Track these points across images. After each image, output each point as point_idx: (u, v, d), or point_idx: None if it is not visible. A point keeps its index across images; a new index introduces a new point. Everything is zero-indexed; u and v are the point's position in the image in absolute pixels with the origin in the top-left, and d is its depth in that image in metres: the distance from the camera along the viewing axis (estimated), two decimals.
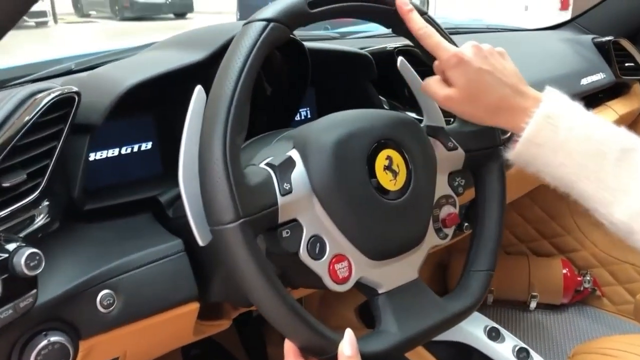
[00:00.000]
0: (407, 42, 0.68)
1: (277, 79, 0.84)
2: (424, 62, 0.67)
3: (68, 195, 0.64)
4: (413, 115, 0.86)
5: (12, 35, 0.54)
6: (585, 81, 1.36)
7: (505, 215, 0.72)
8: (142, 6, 12.65)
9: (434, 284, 1.64)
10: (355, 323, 1.32)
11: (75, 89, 0.61)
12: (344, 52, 0.91)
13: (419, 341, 0.62)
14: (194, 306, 0.67)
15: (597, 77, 1.40)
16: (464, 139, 0.70)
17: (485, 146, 0.72)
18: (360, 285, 0.61)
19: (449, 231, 0.69)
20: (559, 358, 1.46)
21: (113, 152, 0.73)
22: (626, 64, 1.51)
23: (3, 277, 0.50)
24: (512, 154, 0.63)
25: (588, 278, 1.61)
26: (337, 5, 0.59)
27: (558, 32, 1.68)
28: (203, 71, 0.66)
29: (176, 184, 0.54)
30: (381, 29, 1.19)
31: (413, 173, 0.63)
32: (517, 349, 1.21)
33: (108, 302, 0.60)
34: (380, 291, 0.62)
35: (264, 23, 0.55)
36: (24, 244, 0.52)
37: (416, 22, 0.63)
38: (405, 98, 0.96)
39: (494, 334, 1.24)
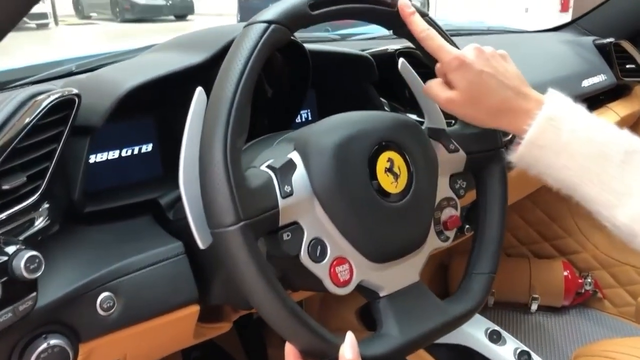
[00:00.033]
0: (408, 44, 0.68)
1: (278, 81, 0.84)
2: (425, 64, 0.67)
3: (68, 198, 0.64)
4: (414, 117, 0.86)
5: (12, 36, 0.54)
6: (586, 83, 1.36)
7: (506, 218, 0.71)
8: (142, 8, 12.66)
9: (434, 285, 1.64)
10: (356, 325, 1.31)
11: (75, 91, 0.61)
12: (345, 54, 0.91)
13: (421, 344, 0.61)
14: (194, 309, 0.67)
15: (598, 79, 1.40)
16: (465, 141, 0.70)
17: (487, 148, 0.71)
18: (361, 288, 0.61)
19: (450, 234, 0.69)
20: None
21: (113, 155, 0.73)
22: (627, 66, 1.51)
23: (2, 280, 0.50)
24: (514, 156, 0.63)
25: (589, 280, 1.60)
26: (338, 7, 0.59)
27: (559, 33, 1.68)
28: (204, 73, 0.66)
29: (176, 187, 0.53)
30: (382, 31, 1.20)
31: (414, 175, 0.62)
32: (518, 351, 1.20)
33: (108, 304, 0.59)
34: (381, 294, 0.61)
35: (265, 25, 0.55)
36: (23, 247, 0.52)
37: (418, 24, 0.63)
38: (406, 100, 0.95)
39: (495, 337, 1.23)
